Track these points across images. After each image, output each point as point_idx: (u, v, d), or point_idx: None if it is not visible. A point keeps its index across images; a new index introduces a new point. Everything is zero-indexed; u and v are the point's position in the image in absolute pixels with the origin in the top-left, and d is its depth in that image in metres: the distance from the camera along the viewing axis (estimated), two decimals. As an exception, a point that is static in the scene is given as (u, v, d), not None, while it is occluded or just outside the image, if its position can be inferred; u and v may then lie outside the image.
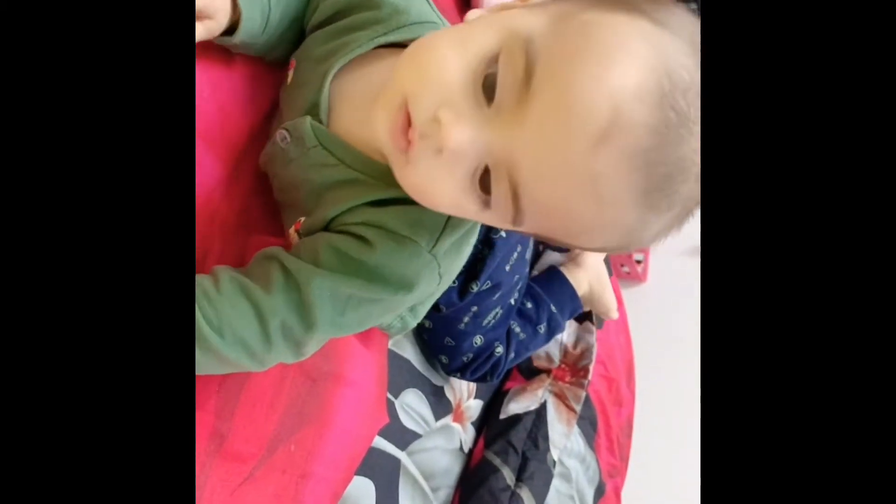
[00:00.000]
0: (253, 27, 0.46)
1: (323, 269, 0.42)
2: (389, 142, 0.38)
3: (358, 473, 0.66)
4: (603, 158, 0.33)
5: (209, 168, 0.49)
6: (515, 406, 0.92)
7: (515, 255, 0.75)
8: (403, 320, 0.60)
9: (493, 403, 0.95)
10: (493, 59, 0.35)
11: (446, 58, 0.36)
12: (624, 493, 1.14)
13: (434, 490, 0.81)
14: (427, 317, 0.72)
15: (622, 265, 1.97)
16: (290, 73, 0.50)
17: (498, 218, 0.38)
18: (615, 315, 0.95)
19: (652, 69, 0.33)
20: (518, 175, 0.35)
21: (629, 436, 1.18)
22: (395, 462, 0.74)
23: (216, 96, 0.49)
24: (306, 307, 0.42)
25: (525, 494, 0.84)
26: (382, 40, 0.45)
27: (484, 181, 0.37)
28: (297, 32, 0.51)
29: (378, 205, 0.44)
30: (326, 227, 0.46)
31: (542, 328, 0.84)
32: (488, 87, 0.35)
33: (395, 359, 0.74)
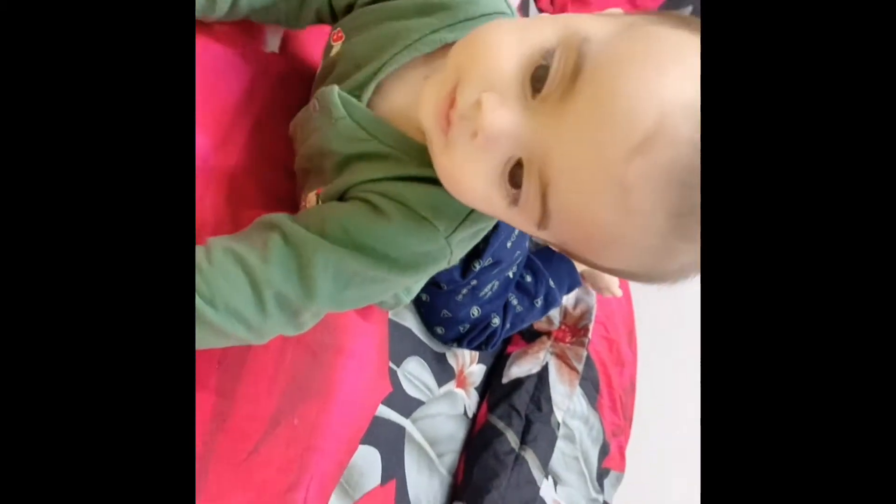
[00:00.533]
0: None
1: (328, 241, 0.41)
2: (432, 120, 0.38)
3: (363, 443, 0.66)
4: (638, 168, 0.31)
5: (198, 140, 0.48)
6: (517, 370, 0.93)
7: (517, 231, 0.74)
8: (397, 297, 0.60)
9: (495, 368, 0.96)
10: (549, 53, 0.34)
11: (503, 44, 0.35)
12: (628, 452, 1.16)
13: (440, 455, 0.82)
14: (425, 290, 0.71)
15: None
16: (338, 46, 0.48)
17: (524, 218, 0.37)
18: (617, 292, 0.94)
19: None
20: (549, 172, 0.34)
21: (632, 395, 1.19)
22: (400, 430, 0.74)
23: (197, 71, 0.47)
24: (307, 279, 0.41)
25: (529, 457, 0.85)
26: (450, 38, 0.43)
27: (515, 176, 0.36)
28: None
29: (404, 180, 0.43)
30: (342, 197, 0.45)
31: (539, 302, 0.84)
32: (538, 80, 0.34)
33: (395, 328, 0.74)
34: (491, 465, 0.83)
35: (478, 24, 0.42)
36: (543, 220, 0.36)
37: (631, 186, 0.32)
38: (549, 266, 0.85)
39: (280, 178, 0.53)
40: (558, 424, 0.91)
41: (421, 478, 0.78)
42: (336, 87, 0.44)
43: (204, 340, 0.41)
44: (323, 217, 0.43)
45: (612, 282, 0.93)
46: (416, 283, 0.59)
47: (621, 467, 1.11)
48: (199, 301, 0.39)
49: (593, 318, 0.98)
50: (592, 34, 0.34)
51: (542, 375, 0.93)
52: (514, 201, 0.36)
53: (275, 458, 0.54)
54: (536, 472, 0.85)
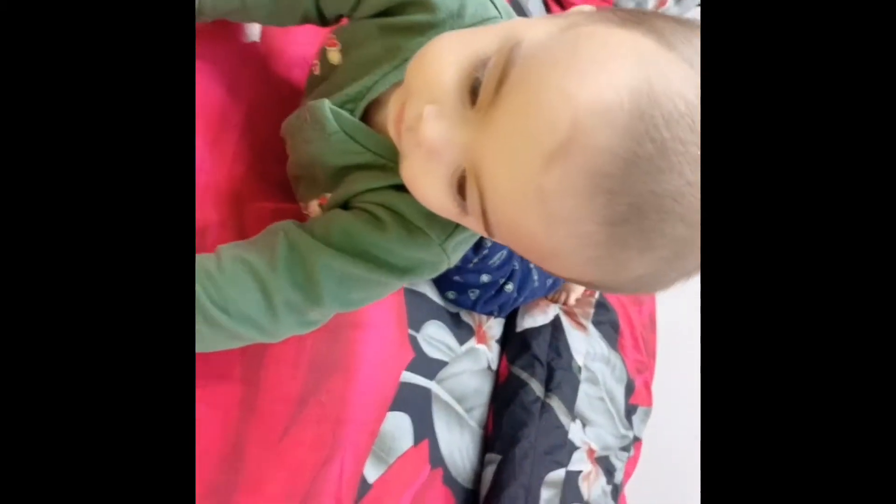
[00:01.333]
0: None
1: (332, 248, 0.43)
2: (392, 132, 0.39)
3: (391, 409, 0.69)
4: (554, 175, 0.30)
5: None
6: (530, 321, 0.94)
7: None
8: None
9: (509, 319, 0.97)
10: (485, 63, 0.33)
11: (444, 57, 0.36)
12: (654, 387, 1.18)
13: (468, 410, 0.85)
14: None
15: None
16: (334, 53, 0.48)
17: (476, 227, 0.37)
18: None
19: (632, 91, 0.29)
20: (482, 182, 0.34)
21: (653, 331, 1.20)
22: (426, 392, 0.76)
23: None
24: (313, 284, 0.42)
25: (555, 403, 0.87)
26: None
27: (462, 186, 0.36)
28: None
29: (400, 189, 0.43)
30: (345, 204, 0.46)
31: (549, 281, 0.87)
32: (475, 90, 0.34)
33: (411, 295, 0.75)
34: (519, 415, 0.85)
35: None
36: (489, 230, 0.36)
37: (550, 195, 0.31)
38: None
39: (279, 169, 0.54)
40: (580, 368, 0.93)
41: (452, 435, 0.80)
42: (327, 102, 0.45)
43: (219, 343, 0.43)
44: (328, 225, 0.44)
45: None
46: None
47: (648, 402, 1.13)
48: (213, 308, 0.40)
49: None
50: (527, 39, 0.33)
51: (556, 324, 0.94)
52: (464, 210, 0.37)
53: (306, 437, 0.56)
54: (563, 417, 0.87)
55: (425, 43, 0.41)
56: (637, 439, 1.11)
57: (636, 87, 0.30)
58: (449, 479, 0.79)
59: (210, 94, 0.50)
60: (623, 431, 1.02)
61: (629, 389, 1.06)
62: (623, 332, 1.06)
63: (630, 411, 1.07)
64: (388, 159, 0.44)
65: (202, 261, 0.43)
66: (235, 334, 0.42)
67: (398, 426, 0.70)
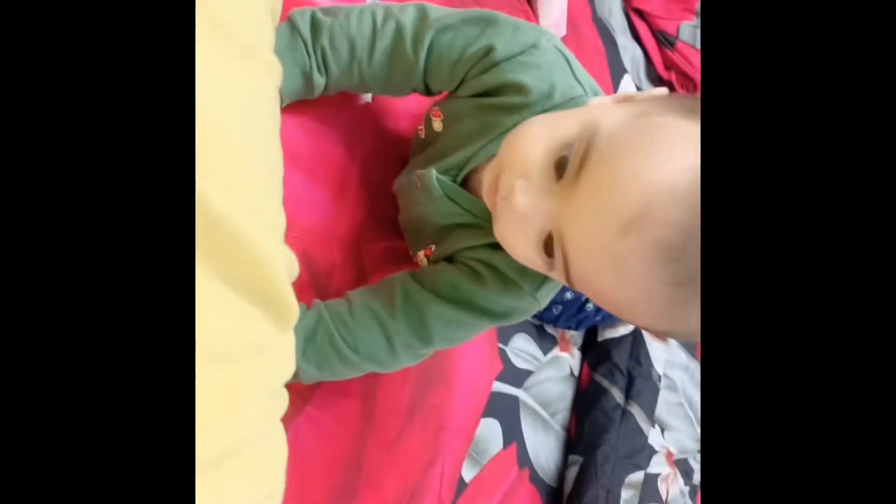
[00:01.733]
0: (296, 95, 0.54)
1: (441, 299, 0.51)
2: (486, 200, 0.46)
3: (484, 416, 0.77)
4: (628, 244, 0.36)
5: (319, 198, 0.58)
6: (611, 331, 0.99)
7: None
8: None
9: (590, 330, 1.03)
10: (569, 145, 0.40)
11: (533, 140, 0.42)
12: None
13: (552, 415, 0.92)
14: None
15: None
16: (437, 123, 0.56)
17: (560, 279, 0.44)
18: None
19: (694, 174, 0.35)
20: (566, 246, 0.40)
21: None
22: (514, 400, 0.84)
23: (308, 139, 0.56)
24: (425, 328, 0.51)
25: (635, 410, 0.93)
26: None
27: (549, 246, 0.42)
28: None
29: (495, 247, 0.50)
30: (450, 258, 0.54)
31: None
32: (561, 167, 0.40)
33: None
34: (600, 421, 0.92)
35: (557, 109, 0.48)
36: (570, 283, 0.42)
37: (622, 259, 0.37)
38: None
39: (391, 212, 0.62)
40: (660, 377, 0.97)
41: (538, 438, 0.88)
42: (434, 171, 0.52)
43: (347, 374, 0.53)
44: (436, 278, 0.52)
45: None
46: None
47: (727, 406, 1.17)
48: (345, 348, 0.49)
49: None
50: (604, 125, 0.39)
51: (636, 335, 0.99)
52: (551, 267, 0.43)
53: (414, 442, 0.65)
54: (643, 423, 0.93)
55: (519, 121, 0.47)
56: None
57: (697, 173, 0.35)
58: (535, 479, 0.86)
59: (334, 152, 0.59)
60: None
61: (708, 395, 1.10)
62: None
63: (709, 416, 1.11)
64: (484, 220, 0.51)
65: (336, 306, 0.52)
66: (361, 368, 0.51)
67: (490, 431, 0.78)
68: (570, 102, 0.49)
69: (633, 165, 0.36)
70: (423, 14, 0.51)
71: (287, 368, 0.37)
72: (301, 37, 0.50)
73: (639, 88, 1.24)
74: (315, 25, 0.51)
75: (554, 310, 0.86)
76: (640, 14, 1.22)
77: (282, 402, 0.38)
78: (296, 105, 0.55)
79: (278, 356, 0.36)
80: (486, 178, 0.47)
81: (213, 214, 0.28)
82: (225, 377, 0.30)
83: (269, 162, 0.36)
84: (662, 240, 0.35)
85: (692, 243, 0.35)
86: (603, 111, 0.42)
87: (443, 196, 0.52)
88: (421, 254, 0.57)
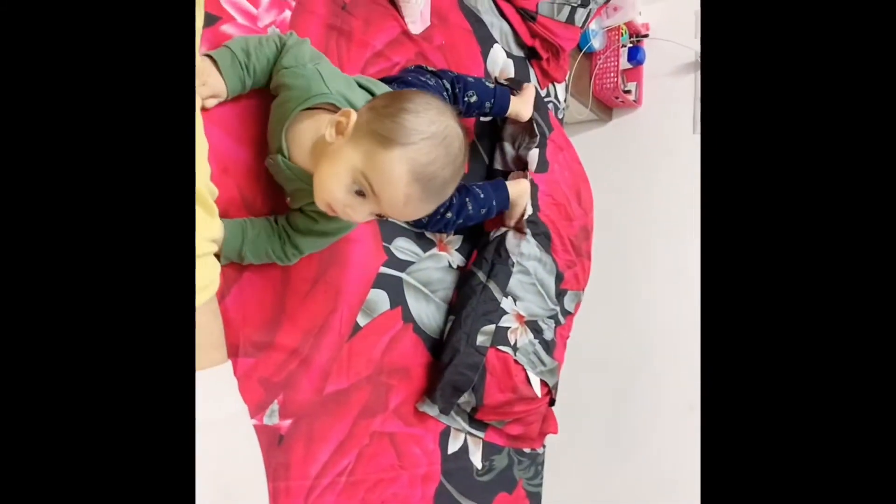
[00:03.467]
0: (238, 91, 0.95)
1: (300, 233, 0.94)
2: (331, 213, 0.86)
3: (374, 287, 1.19)
4: (408, 200, 0.80)
5: (244, 154, 0.99)
6: (486, 237, 1.43)
7: None
8: None
9: (472, 236, 1.45)
10: (354, 182, 0.80)
11: (331, 188, 0.82)
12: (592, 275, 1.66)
13: (433, 292, 1.35)
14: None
15: (616, 97, 2.29)
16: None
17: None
18: (528, 212, 1.43)
19: (406, 175, 0.77)
20: (380, 206, 0.82)
21: (586, 238, 1.65)
22: (398, 279, 1.26)
23: (236, 119, 0.97)
24: (298, 247, 0.95)
25: (492, 285, 1.35)
26: (294, 110, 0.89)
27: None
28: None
29: None
30: (300, 209, 0.96)
31: (483, 211, 1.33)
32: (361, 193, 0.81)
33: (382, 222, 1.25)
34: (467, 293, 1.35)
35: (308, 102, 0.88)
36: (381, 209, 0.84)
37: (407, 200, 0.80)
38: (495, 193, 1.35)
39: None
40: (513, 264, 1.40)
41: (419, 305, 1.31)
42: (280, 157, 0.92)
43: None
44: (297, 221, 0.95)
45: (520, 213, 1.43)
46: None
47: (576, 287, 1.60)
48: (269, 251, 0.94)
49: (535, 199, 1.44)
50: (356, 164, 0.80)
51: (502, 237, 1.42)
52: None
53: (319, 297, 1.08)
54: (497, 294, 1.36)
55: (293, 108, 0.89)
56: (568, 313, 1.59)
57: (410, 168, 0.78)
58: (418, 330, 1.30)
59: (253, 128, 1.00)
60: (551, 306, 1.50)
61: (559, 278, 1.54)
62: (554, 241, 1.52)
63: (560, 294, 1.55)
64: (309, 186, 0.90)
65: (263, 225, 0.95)
66: (272, 261, 0.96)
67: (379, 297, 1.21)
68: (316, 97, 0.89)
69: (394, 185, 0.79)
70: (297, 41, 0.95)
71: (211, 230, 0.78)
72: (237, 58, 0.91)
73: (509, 54, 1.62)
74: (246, 50, 0.92)
75: (423, 220, 1.27)
76: (504, -3, 1.59)
77: (210, 248, 0.79)
78: (229, 103, 0.96)
79: (211, 224, 0.78)
80: (323, 207, 0.86)
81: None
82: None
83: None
84: (413, 196, 0.80)
85: (423, 188, 0.79)
86: (348, 154, 0.81)
87: (286, 170, 0.93)
88: (288, 199, 1.00)
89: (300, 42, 0.97)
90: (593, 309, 1.73)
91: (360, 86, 0.98)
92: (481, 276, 1.38)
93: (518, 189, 1.41)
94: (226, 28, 0.98)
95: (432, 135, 0.80)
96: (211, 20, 0.96)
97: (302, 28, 1.09)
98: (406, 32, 1.30)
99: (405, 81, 1.17)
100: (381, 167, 0.79)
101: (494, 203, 1.35)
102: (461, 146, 0.83)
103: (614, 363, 2.14)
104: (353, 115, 0.84)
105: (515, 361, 1.35)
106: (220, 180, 0.89)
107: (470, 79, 1.31)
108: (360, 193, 0.81)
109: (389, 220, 1.16)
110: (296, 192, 0.96)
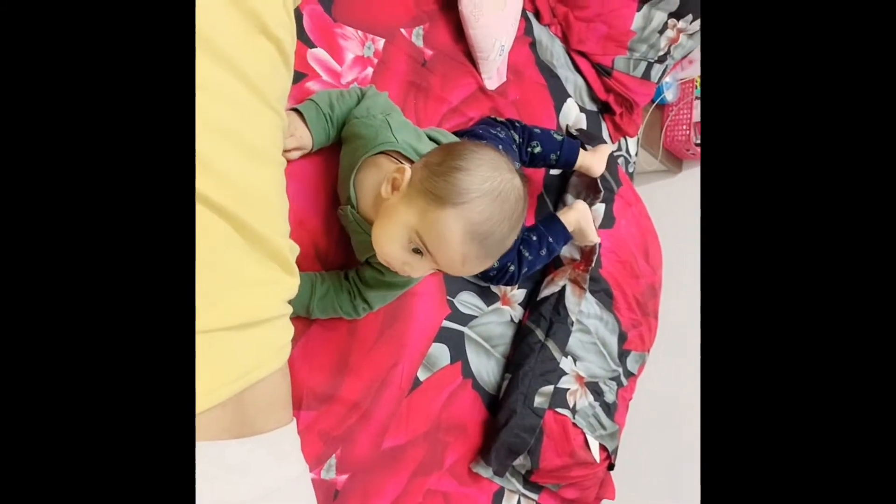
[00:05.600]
0: (322, 143, 0.97)
1: (368, 286, 0.95)
2: (392, 268, 0.86)
3: (436, 341, 1.19)
4: (465, 262, 0.78)
5: (320, 208, 1.01)
6: (546, 291, 1.40)
7: None
8: None
9: (534, 291, 1.44)
10: (410, 242, 0.79)
11: (389, 248, 0.82)
12: (658, 338, 1.61)
13: (494, 347, 1.34)
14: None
15: (687, 150, 2.25)
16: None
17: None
18: (595, 240, 1.39)
19: (462, 235, 0.75)
20: (437, 262, 0.81)
21: (653, 297, 1.61)
22: (460, 334, 1.26)
23: (311, 170, 0.99)
24: (367, 301, 0.95)
25: (550, 344, 1.34)
26: (363, 156, 0.91)
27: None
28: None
29: None
30: (367, 261, 0.97)
31: (543, 252, 1.30)
32: (417, 251, 0.80)
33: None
34: (524, 351, 1.33)
35: (375, 150, 0.89)
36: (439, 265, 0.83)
37: (464, 261, 0.78)
38: (548, 229, 1.31)
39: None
40: (572, 322, 1.38)
41: (480, 360, 1.30)
42: (349, 208, 0.93)
43: (333, 316, 0.97)
44: (365, 274, 0.95)
45: (591, 237, 1.38)
46: None
47: (641, 348, 1.56)
48: (335, 307, 0.94)
49: (597, 251, 1.41)
50: (412, 224, 0.78)
51: (562, 293, 1.39)
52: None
53: (382, 352, 1.08)
54: (556, 354, 1.34)
55: (361, 157, 0.90)
56: (632, 374, 1.55)
57: (466, 228, 0.77)
58: (477, 386, 1.29)
59: (327, 181, 1.02)
60: (613, 367, 1.47)
61: (622, 338, 1.50)
62: (617, 298, 1.49)
63: (623, 354, 1.51)
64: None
65: (332, 280, 0.96)
66: (341, 315, 0.96)
67: (440, 351, 1.21)
68: (383, 144, 0.90)
69: (449, 244, 0.78)
70: (374, 93, 0.96)
71: (291, 290, 0.79)
72: (321, 110, 0.94)
73: (582, 109, 1.61)
74: (331, 103, 0.95)
75: (490, 273, 1.27)
76: (581, 53, 1.59)
77: (287, 310, 0.81)
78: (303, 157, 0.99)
79: (290, 285, 0.78)
80: (384, 262, 0.86)
81: (249, 228, 0.71)
82: (261, 290, 0.73)
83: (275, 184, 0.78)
84: (471, 255, 0.78)
85: (480, 245, 0.78)
86: (403, 212, 0.81)
87: (353, 222, 0.94)
88: (361, 259, 1.01)
89: (377, 94, 0.99)
90: (658, 369, 1.67)
91: (430, 138, 0.99)
92: (539, 333, 1.36)
93: (573, 215, 1.37)
94: (310, 85, 1.01)
95: (486, 192, 0.78)
96: (297, 77, 0.99)
97: (382, 84, 1.11)
98: (482, 88, 1.31)
99: (476, 134, 1.17)
100: (435, 227, 0.77)
101: (551, 239, 1.32)
102: (518, 198, 0.81)
103: (676, 426, 2.06)
104: (408, 172, 0.83)
105: (574, 425, 1.32)
106: (296, 234, 0.91)
107: (536, 130, 1.30)
108: (417, 251, 0.81)
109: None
110: (360, 244, 0.96)
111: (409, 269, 0.83)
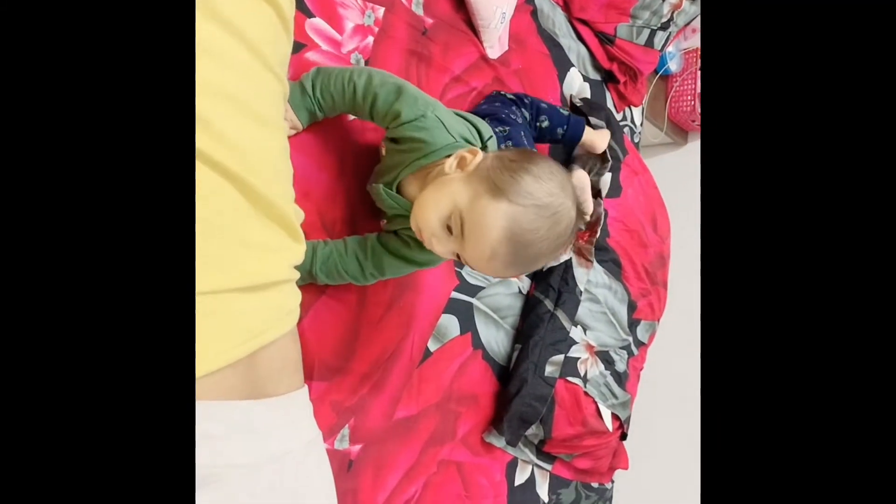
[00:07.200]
0: (310, 122, 0.95)
1: (390, 255, 0.93)
2: (419, 237, 0.85)
3: (445, 312, 1.19)
4: (492, 259, 0.76)
5: (324, 178, 1.00)
6: (553, 262, 1.40)
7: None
8: None
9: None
10: (448, 217, 0.78)
11: (429, 213, 0.80)
12: (668, 306, 1.59)
13: (503, 318, 1.33)
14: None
15: (692, 120, 2.23)
16: (382, 150, 0.96)
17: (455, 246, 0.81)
18: (590, 210, 1.39)
19: (501, 231, 0.74)
20: (462, 253, 0.80)
21: (662, 266, 1.60)
22: (469, 304, 1.26)
23: (316, 140, 0.99)
24: (380, 268, 0.93)
25: (560, 314, 1.33)
26: (424, 162, 0.88)
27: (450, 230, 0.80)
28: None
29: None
30: (395, 232, 0.96)
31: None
32: (449, 228, 0.78)
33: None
34: (534, 321, 1.33)
35: (437, 155, 0.86)
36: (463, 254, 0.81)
37: (492, 259, 0.76)
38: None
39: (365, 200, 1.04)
40: (581, 292, 1.37)
41: (489, 331, 1.29)
42: (381, 186, 0.92)
43: (338, 282, 0.95)
44: (388, 242, 0.94)
45: (587, 206, 1.38)
46: None
47: (651, 317, 1.55)
48: (341, 270, 0.92)
49: (602, 222, 1.40)
50: (460, 203, 0.77)
51: (568, 264, 1.39)
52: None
53: (393, 323, 1.08)
54: (566, 323, 1.33)
55: (414, 159, 0.87)
56: (642, 344, 1.54)
57: (507, 226, 0.75)
58: (487, 357, 1.28)
59: (334, 150, 1.01)
60: (623, 336, 1.46)
61: (632, 308, 1.49)
62: (626, 268, 1.48)
63: (633, 323, 1.50)
64: (408, 211, 0.89)
65: (338, 245, 0.94)
66: (346, 281, 0.94)
67: (450, 322, 1.21)
68: (445, 148, 0.88)
69: (485, 235, 0.77)
70: (369, 80, 0.92)
71: (297, 256, 0.78)
72: (306, 92, 0.93)
73: (585, 78, 1.60)
74: (313, 85, 0.93)
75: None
76: (583, 21, 1.57)
77: (294, 275, 0.80)
78: (309, 129, 0.98)
79: (297, 251, 0.78)
80: (414, 228, 0.86)
81: (257, 192, 0.71)
82: (268, 254, 0.72)
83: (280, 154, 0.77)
84: (500, 255, 0.77)
85: (514, 251, 0.76)
86: (457, 189, 0.80)
87: (388, 199, 0.93)
88: (383, 221, 1.00)
89: (384, 82, 0.91)
90: (669, 339, 1.66)
91: (468, 121, 0.97)
92: (548, 304, 1.35)
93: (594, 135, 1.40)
94: (310, 55, 1.00)
95: (545, 205, 0.77)
96: (296, 48, 0.98)
97: (383, 53, 1.10)
98: (484, 57, 1.30)
99: (500, 119, 1.16)
100: (481, 213, 0.77)
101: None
102: (568, 226, 0.80)
103: (691, 397, 2.05)
104: (480, 156, 0.83)
105: (586, 393, 1.31)
106: (301, 204, 0.91)
107: (544, 104, 1.29)
108: (450, 230, 0.81)
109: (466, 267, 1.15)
110: (395, 217, 0.96)
111: (435, 242, 0.82)
